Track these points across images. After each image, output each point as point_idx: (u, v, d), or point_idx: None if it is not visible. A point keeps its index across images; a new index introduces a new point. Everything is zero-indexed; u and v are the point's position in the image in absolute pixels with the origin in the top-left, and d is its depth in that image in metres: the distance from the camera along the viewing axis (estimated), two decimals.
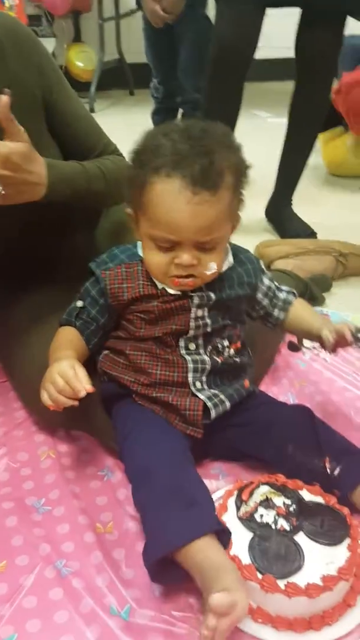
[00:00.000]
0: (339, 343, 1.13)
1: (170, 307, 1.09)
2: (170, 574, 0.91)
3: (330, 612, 0.89)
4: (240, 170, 1.05)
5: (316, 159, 2.91)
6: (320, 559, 0.91)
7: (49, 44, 4.13)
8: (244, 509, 0.98)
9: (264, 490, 1.01)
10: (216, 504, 1.00)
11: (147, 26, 2.91)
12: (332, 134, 2.99)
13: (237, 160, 1.04)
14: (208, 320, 1.11)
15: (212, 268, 1.06)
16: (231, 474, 1.18)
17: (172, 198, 0.99)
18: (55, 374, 1.01)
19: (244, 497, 1.00)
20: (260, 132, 3.23)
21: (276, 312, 1.23)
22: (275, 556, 0.91)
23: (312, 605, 0.88)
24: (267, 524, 0.96)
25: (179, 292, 1.08)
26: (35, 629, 0.91)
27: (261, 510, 0.98)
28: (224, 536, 0.92)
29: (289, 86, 2.19)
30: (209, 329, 1.11)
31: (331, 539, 0.94)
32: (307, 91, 2.17)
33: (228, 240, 1.12)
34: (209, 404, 1.10)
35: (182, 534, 0.89)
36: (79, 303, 1.16)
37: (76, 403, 1.01)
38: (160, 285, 1.09)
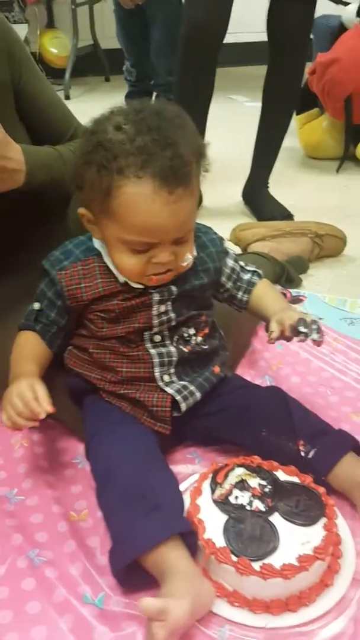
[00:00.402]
0: (283, 336, 1.07)
1: (131, 305, 1.05)
2: (139, 576, 0.90)
3: (307, 593, 0.88)
4: (201, 153, 0.99)
5: (293, 141, 2.92)
6: (296, 540, 0.90)
7: (21, 30, 4.08)
8: (218, 491, 0.97)
9: (239, 472, 1.00)
10: (191, 488, 0.98)
11: (117, 7, 2.88)
12: (308, 116, 3.00)
13: (197, 143, 0.98)
14: (172, 315, 1.07)
15: (188, 259, 1.02)
16: (207, 457, 1.17)
17: (147, 201, 0.92)
18: (14, 396, 0.97)
19: (219, 479, 0.99)
20: (238, 117, 3.22)
21: (240, 295, 1.19)
22: (250, 538, 0.90)
23: (288, 586, 0.86)
24: (242, 506, 0.94)
25: (141, 287, 1.03)
26: (6, 620, 0.89)
27: (236, 492, 0.97)
28: (190, 537, 0.91)
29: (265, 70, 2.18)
30: (173, 323, 1.08)
31: (307, 519, 0.93)
32: (280, 72, 2.16)
33: None
34: (178, 397, 1.07)
35: (143, 541, 0.87)
36: (36, 305, 1.10)
37: (36, 424, 0.97)
38: (121, 279, 1.04)
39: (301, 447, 1.05)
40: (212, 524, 0.92)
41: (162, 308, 1.06)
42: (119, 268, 1.02)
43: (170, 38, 2.77)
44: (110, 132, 0.93)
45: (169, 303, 1.06)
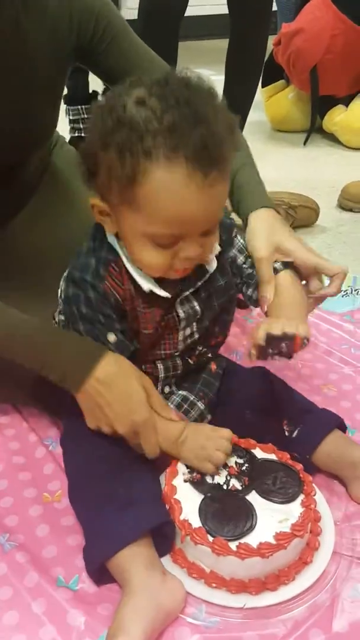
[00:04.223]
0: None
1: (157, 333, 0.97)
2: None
3: (285, 571, 0.87)
4: (234, 129, 0.86)
5: (259, 115, 2.90)
6: (273, 518, 0.88)
7: None
8: (194, 471, 0.95)
9: (235, 459, 0.98)
10: (167, 469, 0.96)
11: None
12: (274, 88, 2.97)
13: (229, 118, 0.85)
14: (197, 336, 1.01)
15: (215, 249, 0.96)
16: None
17: (179, 187, 0.80)
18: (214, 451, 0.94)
19: None
20: None
21: (249, 292, 1.09)
22: (226, 518, 0.88)
23: (266, 565, 0.85)
24: (219, 485, 0.93)
25: (168, 295, 0.93)
26: None
27: None
28: (168, 527, 0.89)
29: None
30: (196, 339, 1.02)
31: (284, 496, 0.91)
32: (240, 43, 2.17)
33: None
34: (179, 412, 1.03)
35: (116, 539, 0.85)
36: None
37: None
38: (146, 287, 0.92)
39: (285, 427, 1.03)
40: (188, 505, 0.90)
41: (188, 331, 1.00)
42: (142, 264, 0.91)
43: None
44: (131, 107, 0.80)
45: (195, 325, 1.00)
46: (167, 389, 1.04)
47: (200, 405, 1.05)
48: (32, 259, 1.25)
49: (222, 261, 1.01)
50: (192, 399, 1.05)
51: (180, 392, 1.05)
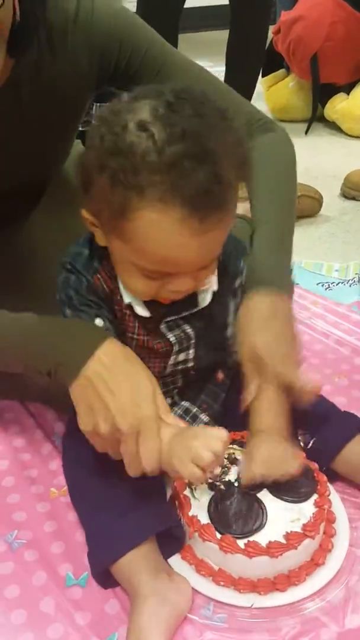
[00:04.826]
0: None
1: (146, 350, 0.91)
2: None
3: (296, 572, 0.85)
4: (244, 163, 0.78)
5: (260, 105, 2.85)
6: (285, 517, 0.86)
7: None
8: None
9: (229, 451, 0.95)
10: None
11: None
12: (274, 77, 2.95)
13: (241, 152, 0.77)
14: (190, 364, 0.95)
15: (209, 282, 0.88)
16: None
17: (171, 232, 0.72)
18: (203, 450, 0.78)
19: None
20: None
21: None
22: (235, 515, 0.86)
23: (275, 565, 0.83)
24: (229, 482, 0.91)
25: (147, 315, 0.88)
26: None
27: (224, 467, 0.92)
28: (177, 530, 0.87)
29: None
30: (190, 367, 0.96)
31: (297, 495, 0.89)
32: (241, 33, 2.18)
33: None
34: (186, 421, 0.96)
35: (121, 543, 0.83)
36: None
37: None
38: (126, 300, 0.87)
39: (299, 437, 0.98)
40: (198, 501, 0.88)
41: (182, 357, 0.93)
42: (128, 288, 0.86)
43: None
44: (132, 131, 0.71)
45: (191, 351, 0.94)
46: (168, 401, 0.94)
47: (204, 417, 0.99)
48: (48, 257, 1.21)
49: (223, 292, 0.93)
50: (194, 411, 0.99)
51: (182, 403, 0.99)
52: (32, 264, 1.20)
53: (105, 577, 0.86)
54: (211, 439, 0.78)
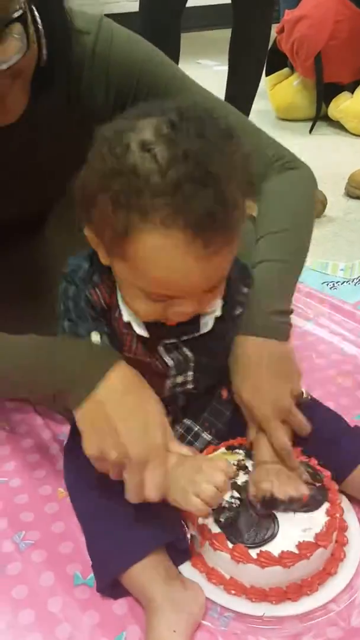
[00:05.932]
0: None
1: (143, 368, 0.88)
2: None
3: (309, 582, 0.85)
4: (251, 184, 0.76)
5: (264, 104, 2.87)
6: (296, 526, 0.86)
7: None
8: None
9: (239, 457, 0.95)
10: None
11: None
12: (278, 76, 2.94)
13: (247, 174, 0.75)
14: (191, 386, 0.93)
15: (214, 306, 0.87)
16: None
17: (174, 256, 0.70)
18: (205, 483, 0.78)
19: None
20: (207, 81, 3.07)
21: None
22: (247, 524, 0.86)
23: (287, 574, 0.83)
24: (240, 491, 0.90)
25: (146, 336, 0.86)
26: None
27: None
28: (182, 543, 0.86)
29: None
30: (189, 388, 0.94)
31: (308, 503, 0.88)
32: (244, 32, 2.15)
33: None
34: (193, 448, 0.92)
35: (127, 555, 0.82)
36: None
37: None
38: (125, 318, 0.86)
39: (303, 459, 0.95)
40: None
41: (180, 379, 0.92)
42: (131, 309, 0.84)
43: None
44: (134, 152, 0.69)
45: (190, 374, 0.92)
46: (169, 418, 0.88)
47: (206, 436, 0.97)
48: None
49: (225, 317, 0.91)
50: (196, 429, 0.97)
51: (184, 420, 0.97)
52: (47, 281, 1.16)
53: (111, 586, 0.85)
54: (214, 472, 0.78)
